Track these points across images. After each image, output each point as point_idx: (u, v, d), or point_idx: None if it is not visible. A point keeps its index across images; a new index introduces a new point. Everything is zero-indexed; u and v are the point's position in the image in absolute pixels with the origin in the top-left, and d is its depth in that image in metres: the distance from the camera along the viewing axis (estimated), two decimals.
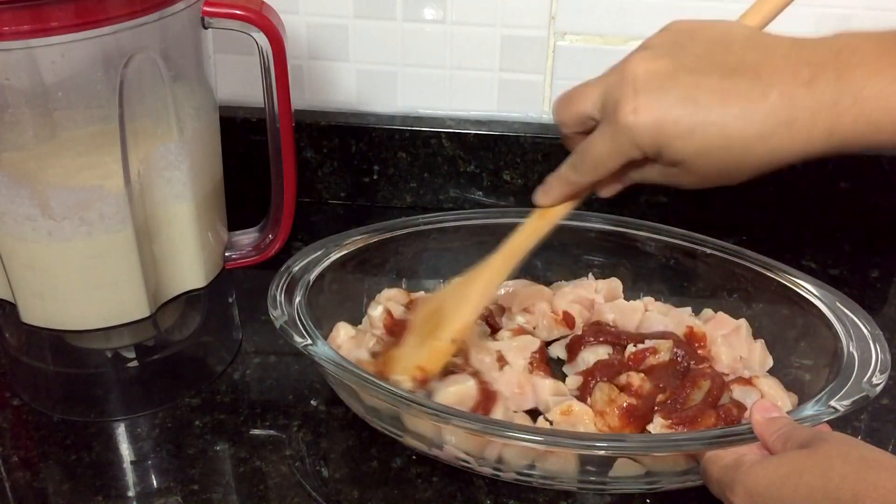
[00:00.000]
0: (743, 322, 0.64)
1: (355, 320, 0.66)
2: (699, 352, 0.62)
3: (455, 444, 0.53)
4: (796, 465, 0.43)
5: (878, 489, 0.39)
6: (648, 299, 0.68)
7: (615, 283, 0.69)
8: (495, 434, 0.50)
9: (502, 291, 0.68)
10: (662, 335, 0.63)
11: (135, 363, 0.61)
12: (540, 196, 0.56)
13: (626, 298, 0.69)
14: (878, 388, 0.52)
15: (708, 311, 0.67)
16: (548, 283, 0.71)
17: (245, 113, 0.81)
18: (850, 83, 0.44)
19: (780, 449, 0.46)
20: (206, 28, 0.56)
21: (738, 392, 0.58)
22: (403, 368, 0.56)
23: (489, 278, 0.58)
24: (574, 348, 0.64)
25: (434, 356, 0.56)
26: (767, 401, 0.51)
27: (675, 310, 0.67)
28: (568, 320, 0.66)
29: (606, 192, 0.53)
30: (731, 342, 0.63)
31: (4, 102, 0.50)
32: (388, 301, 0.65)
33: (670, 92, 0.46)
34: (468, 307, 0.57)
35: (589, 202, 0.83)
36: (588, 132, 0.51)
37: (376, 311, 0.64)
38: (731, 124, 0.45)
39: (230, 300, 0.69)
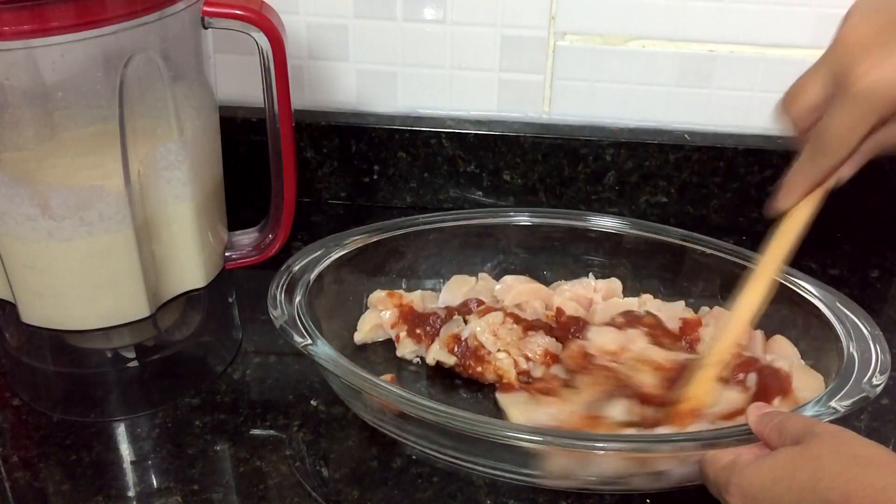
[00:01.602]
0: None
1: (355, 320, 0.66)
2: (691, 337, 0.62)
3: (455, 444, 0.53)
4: (787, 466, 0.43)
5: (867, 488, 0.39)
6: (647, 296, 0.68)
7: (615, 284, 0.69)
8: (495, 434, 0.50)
9: (498, 286, 0.68)
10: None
11: (135, 363, 0.61)
12: (781, 199, 0.54)
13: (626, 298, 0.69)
14: (879, 389, 0.52)
15: (704, 309, 0.67)
16: (547, 284, 0.71)
17: (245, 113, 0.81)
18: None
19: (776, 443, 0.46)
20: (206, 28, 0.56)
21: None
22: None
23: (749, 300, 0.56)
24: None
25: (704, 387, 0.55)
26: (761, 402, 0.51)
27: (668, 304, 0.67)
28: (559, 316, 0.66)
29: (847, 171, 0.51)
30: None
31: (4, 102, 0.50)
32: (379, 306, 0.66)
33: (893, 43, 0.45)
34: (731, 331, 0.56)
35: (589, 202, 0.84)
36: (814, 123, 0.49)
37: (385, 315, 0.65)
38: None
39: (230, 300, 0.69)
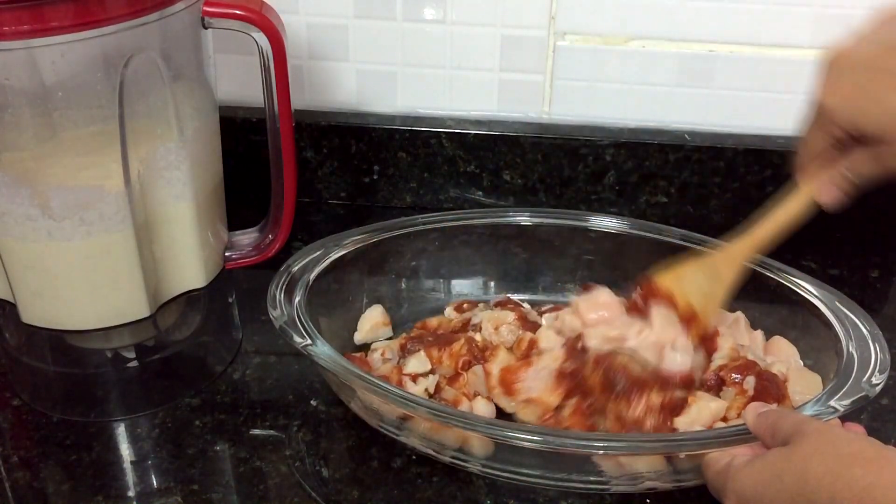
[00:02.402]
0: (740, 314, 0.64)
1: (355, 320, 0.66)
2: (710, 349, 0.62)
3: (455, 444, 0.53)
4: (776, 468, 0.43)
5: (853, 488, 0.39)
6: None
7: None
8: (496, 435, 0.50)
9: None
10: None
11: (135, 363, 0.61)
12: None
13: (626, 297, 0.69)
14: (878, 388, 0.52)
15: None
16: (547, 283, 0.71)
17: (245, 113, 0.81)
18: None
19: (770, 443, 0.47)
20: (206, 28, 0.56)
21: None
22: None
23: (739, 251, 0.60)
24: None
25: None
26: (759, 402, 0.51)
27: None
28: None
29: (826, 196, 0.55)
30: (732, 333, 0.63)
31: (4, 102, 0.50)
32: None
33: (859, 67, 0.49)
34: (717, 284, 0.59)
35: (589, 202, 0.84)
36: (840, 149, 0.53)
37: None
38: None
39: (230, 300, 0.69)
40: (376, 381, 0.52)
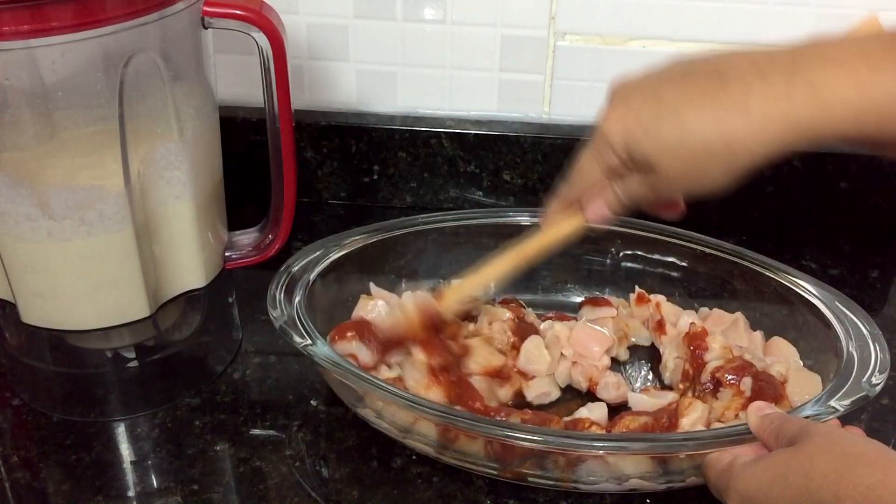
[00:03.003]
0: (739, 315, 0.64)
1: None
2: (700, 347, 0.62)
3: (455, 445, 0.53)
4: (781, 467, 0.43)
5: (858, 487, 0.39)
6: (661, 298, 0.68)
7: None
8: (497, 435, 0.50)
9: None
10: None
11: (135, 363, 0.61)
12: (545, 214, 0.58)
13: (626, 297, 0.70)
14: (878, 388, 0.52)
15: (704, 310, 0.67)
16: (547, 284, 0.71)
17: (245, 113, 0.81)
18: (805, 73, 0.45)
19: (773, 445, 0.47)
20: (206, 28, 0.56)
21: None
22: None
23: (493, 267, 0.59)
24: None
25: (452, 297, 0.60)
26: (761, 402, 0.51)
27: (683, 312, 0.67)
28: None
29: (594, 215, 0.55)
30: (729, 335, 0.63)
31: (4, 102, 0.50)
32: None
33: (636, 95, 0.50)
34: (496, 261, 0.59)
35: None
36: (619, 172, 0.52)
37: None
38: (687, 115, 0.47)
39: (230, 300, 0.69)
40: (377, 381, 0.52)
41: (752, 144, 0.47)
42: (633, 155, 0.49)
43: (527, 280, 0.71)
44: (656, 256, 0.69)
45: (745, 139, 0.46)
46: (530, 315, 0.67)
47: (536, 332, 0.65)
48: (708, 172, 0.49)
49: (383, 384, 0.52)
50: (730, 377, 0.58)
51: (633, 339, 0.68)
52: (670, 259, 0.69)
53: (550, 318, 0.67)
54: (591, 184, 0.53)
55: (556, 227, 0.57)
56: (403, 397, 0.52)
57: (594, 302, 0.68)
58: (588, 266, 0.71)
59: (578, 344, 0.64)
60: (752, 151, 0.47)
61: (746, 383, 0.57)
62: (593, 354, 0.64)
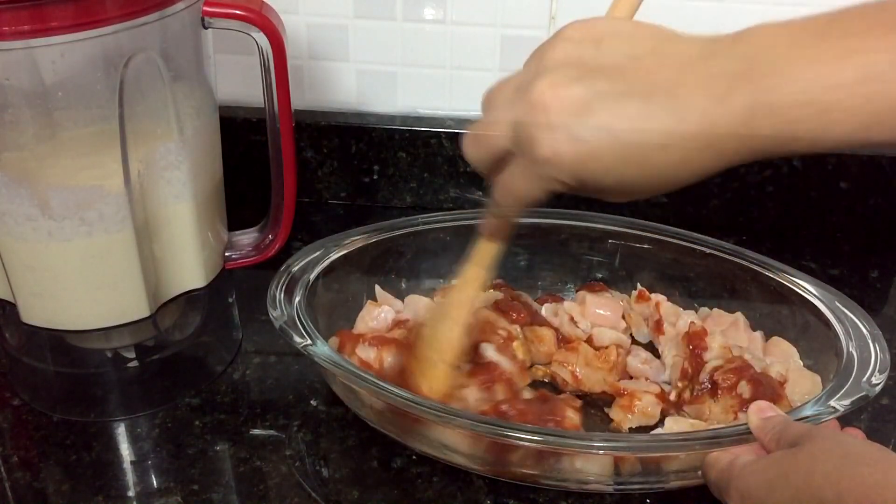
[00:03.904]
0: (739, 315, 0.64)
1: (355, 320, 0.66)
2: (699, 347, 0.62)
3: (456, 445, 0.53)
4: (783, 467, 0.43)
5: (860, 486, 0.39)
6: (661, 298, 0.68)
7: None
8: (497, 435, 0.50)
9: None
10: None
11: (135, 363, 0.61)
12: (481, 230, 0.56)
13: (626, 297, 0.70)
14: (878, 388, 0.52)
15: (704, 310, 0.67)
16: (547, 284, 0.71)
17: (245, 113, 0.81)
18: (764, 93, 0.42)
19: (774, 448, 0.47)
20: (206, 28, 0.56)
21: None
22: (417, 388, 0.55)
23: (466, 293, 0.57)
24: None
25: (436, 381, 0.55)
26: (763, 402, 0.51)
27: (683, 312, 0.67)
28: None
29: (495, 237, 0.55)
30: (729, 335, 0.63)
31: (4, 102, 0.50)
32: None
33: (587, 124, 0.43)
34: (450, 326, 0.56)
35: (590, 202, 0.84)
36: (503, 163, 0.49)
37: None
38: (652, 155, 0.44)
39: (230, 300, 0.69)
40: (376, 381, 0.52)
41: (716, 167, 0.46)
42: (589, 187, 0.45)
43: (527, 279, 0.72)
44: (656, 256, 0.69)
45: (713, 166, 0.46)
46: (524, 297, 0.68)
47: (539, 312, 0.67)
48: (666, 189, 0.47)
49: (383, 384, 0.52)
50: (728, 378, 0.58)
51: (634, 333, 0.67)
52: (670, 259, 0.69)
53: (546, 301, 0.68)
54: (530, 205, 0.49)
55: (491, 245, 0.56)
56: (403, 398, 0.51)
57: (591, 288, 0.69)
58: (588, 266, 0.71)
59: (593, 314, 0.65)
60: (715, 171, 0.47)
61: (744, 385, 0.57)
62: (612, 320, 0.64)
